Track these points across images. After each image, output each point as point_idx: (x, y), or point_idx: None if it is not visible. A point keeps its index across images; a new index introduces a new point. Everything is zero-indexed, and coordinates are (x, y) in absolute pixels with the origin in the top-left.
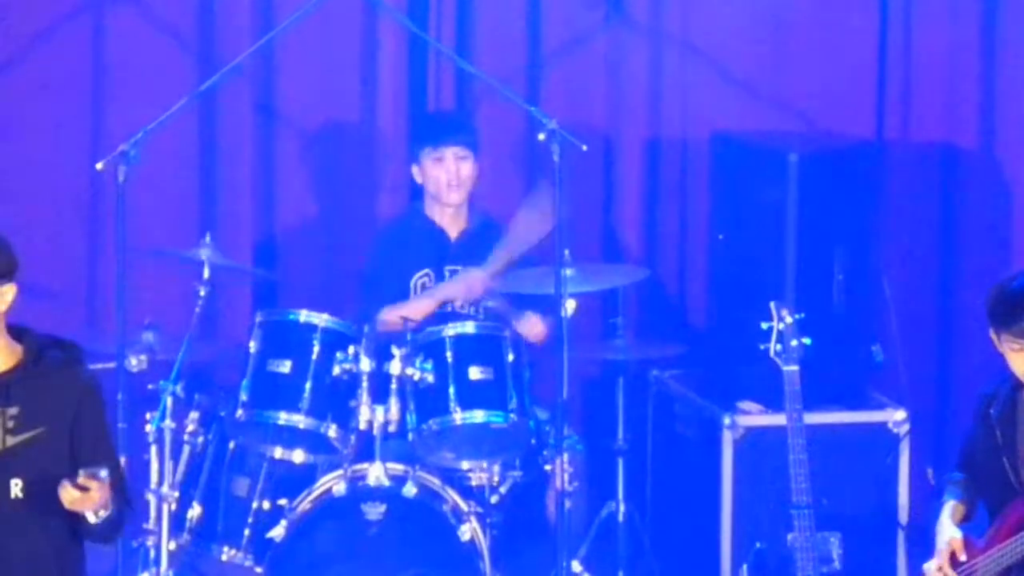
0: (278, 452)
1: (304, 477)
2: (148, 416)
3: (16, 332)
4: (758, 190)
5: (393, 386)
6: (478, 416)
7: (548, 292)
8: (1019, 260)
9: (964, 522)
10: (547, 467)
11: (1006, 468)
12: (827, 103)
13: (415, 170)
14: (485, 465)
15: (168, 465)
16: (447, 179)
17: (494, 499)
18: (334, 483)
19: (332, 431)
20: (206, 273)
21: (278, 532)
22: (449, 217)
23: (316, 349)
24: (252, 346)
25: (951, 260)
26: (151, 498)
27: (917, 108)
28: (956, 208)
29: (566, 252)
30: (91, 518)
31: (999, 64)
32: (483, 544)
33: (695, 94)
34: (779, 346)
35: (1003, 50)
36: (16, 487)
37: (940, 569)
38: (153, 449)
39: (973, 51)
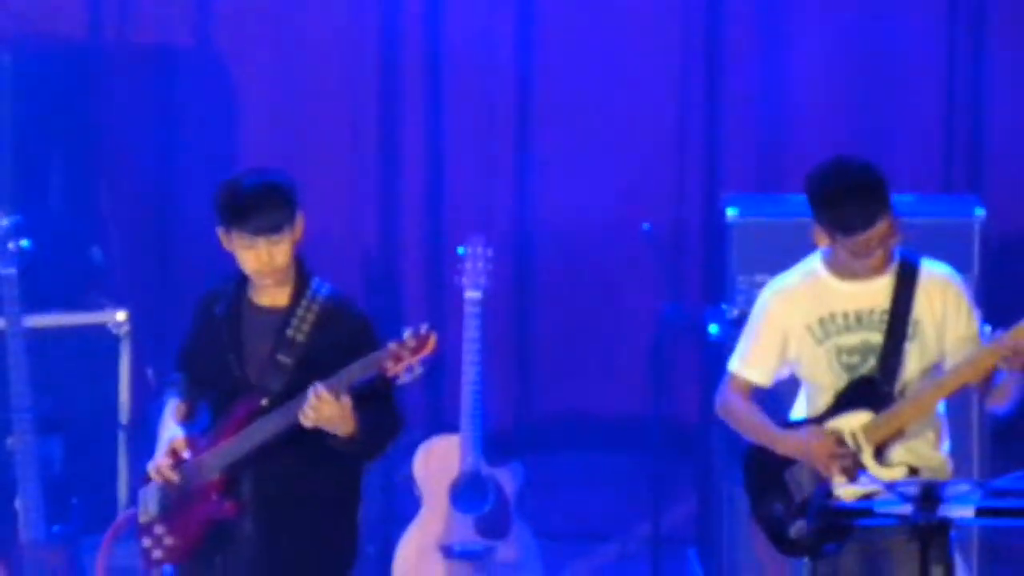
0: None
1: None
2: None
3: None
4: None
5: None
6: None
7: None
8: (245, 158)
9: (187, 420)
10: None
11: (232, 366)
12: (42, 3)
13: None
14: None
15: None
16: None
17: None
18: None
19: None
20: None
21: None
22: None
23: None
24: None
25: (171, 158)
26: None
27: (133, 9)
28: (175, 106)
29: None
30: None
31: None
32: None
33: None
34: None
35: None
36: None
37: (161, 468)
38: None
39: None
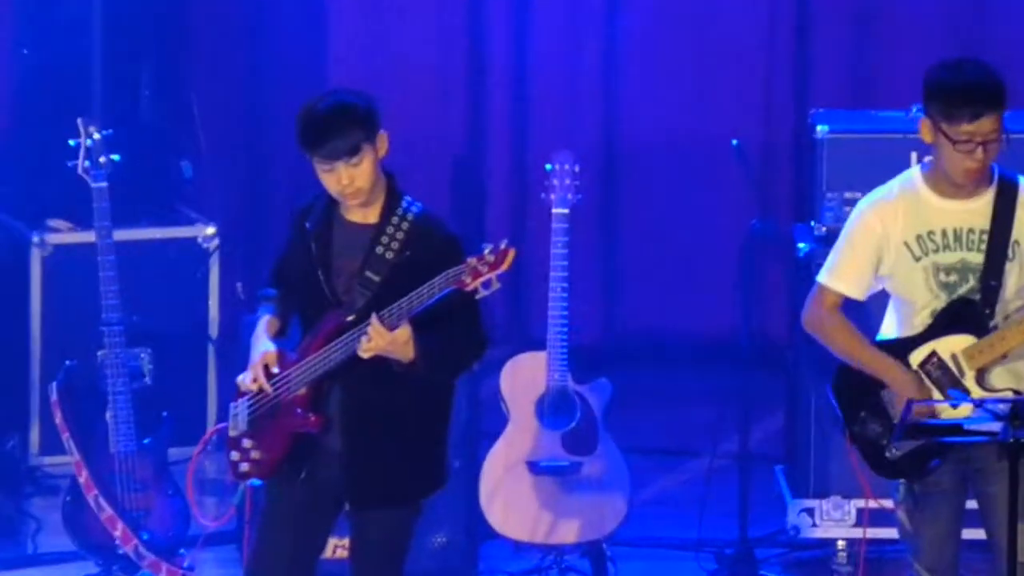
0: None
1: None
2: None
3: None
4: (62, 3)
5: None
6: None
7: None
8: (334, 72)
9: (279, 336)
10: None
11: (320, 281)
12: None
13: None
14: None
15: None
16: None
17: None
18: None
19: None
20: None
21: None
22: None
23: None
24: None
25: (261, 71)
26: None
27: None
28: (267, 18)
29: None
30: None
31: None
32: None
33: None
34: (87, 163)
35: None
36: None
37: (254, 381)
38: None
39: None
